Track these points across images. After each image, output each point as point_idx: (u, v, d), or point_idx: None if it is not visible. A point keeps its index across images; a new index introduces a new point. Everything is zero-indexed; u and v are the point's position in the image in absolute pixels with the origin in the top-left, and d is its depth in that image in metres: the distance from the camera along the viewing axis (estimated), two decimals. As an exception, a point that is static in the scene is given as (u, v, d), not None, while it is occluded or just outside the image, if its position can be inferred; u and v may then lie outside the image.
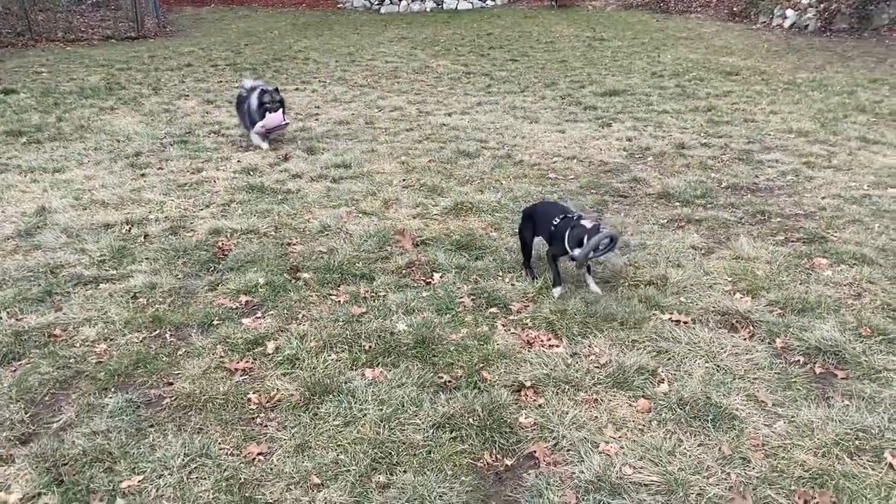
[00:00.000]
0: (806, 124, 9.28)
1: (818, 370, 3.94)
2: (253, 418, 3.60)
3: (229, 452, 3.35)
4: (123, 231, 5.88)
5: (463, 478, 3.19)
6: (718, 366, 3.96)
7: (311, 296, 4.80)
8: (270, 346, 4.18)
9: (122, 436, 3.42)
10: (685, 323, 4.40)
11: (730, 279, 4.98)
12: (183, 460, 3.27)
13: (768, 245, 5.58)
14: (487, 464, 3.30)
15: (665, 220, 6.14)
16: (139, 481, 3.15)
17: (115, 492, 3.08)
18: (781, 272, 5.08)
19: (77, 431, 3.46)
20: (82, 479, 3.13)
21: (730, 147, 8.39)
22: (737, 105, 10.49)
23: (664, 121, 9.65)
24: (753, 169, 7.58)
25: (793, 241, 5.67)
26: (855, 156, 7.95)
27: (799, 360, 4.02)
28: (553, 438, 3.43)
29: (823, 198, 6.65)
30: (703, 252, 5.46)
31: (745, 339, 4.24)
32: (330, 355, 4.09)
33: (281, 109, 8.07)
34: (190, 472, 3.21)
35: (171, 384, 3.86)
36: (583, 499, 3.04)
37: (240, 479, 3.18)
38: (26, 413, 3.60)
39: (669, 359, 4.04)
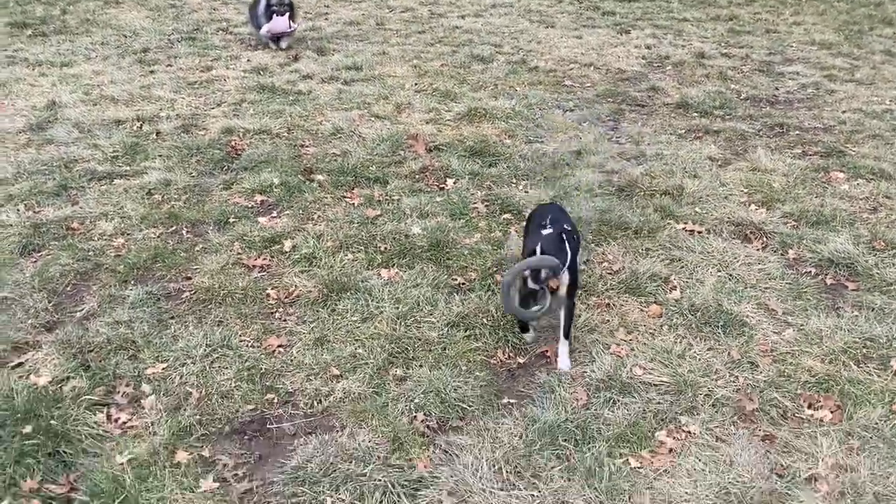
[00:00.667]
0: (829, 36, 9.02)
1: (829, 281, 3.98)
2: (272, 313, 3.67)
3: (249, 344, 3.44)
4: (135, 128, 5.82)
5: (477, 373, 3.28)
6: (731, 275, 4.00)
7: (326, 197, 4.80)
8: (287, 244, 4.22)
9: (145, 326, 3.50)
10: (699, 233, 4.41)
11: (745, 191, 4.96)
12: (205, 350, 3.35)
13: (785, 158, 5.52)
14: (501, 361, 3.39)
15: (682, 131, 6.06)
16: (163, 369, 3.24)
17: (141, 378, 3.18)
18: (797, 185, 5.05)
19: (100, 321, 3.54)
20: (108, 365, 3.22)
21: (750, 58, 8.19)
22: (759, 15, 10.17)
23: (684, 29, 9.38)
24: (773, 81, 7.42)
25: (810, 155, 5.61)
26: (878, 70, 7.76)
27: (811, 272, 4.06)
28: (566, 340, 3.50)
29: (844, 112, 6.54)
30: (719, 163, 5.42)
31: (758, 250, 4.26)
32: (346, 255, 4.13)
33: (288, 14, 7.83)
34: (212, 362, 3.30)
35: (190, 279, 3.91)
36: (594, 396, 3.13)
37: (261, 369, 3.28)
38: (49, 302, 3.67)
39: (682, 267, 4.07)
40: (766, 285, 3.92)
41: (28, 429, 2.76)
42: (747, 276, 3.98)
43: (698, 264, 4.09)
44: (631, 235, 4.36)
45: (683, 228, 4.44)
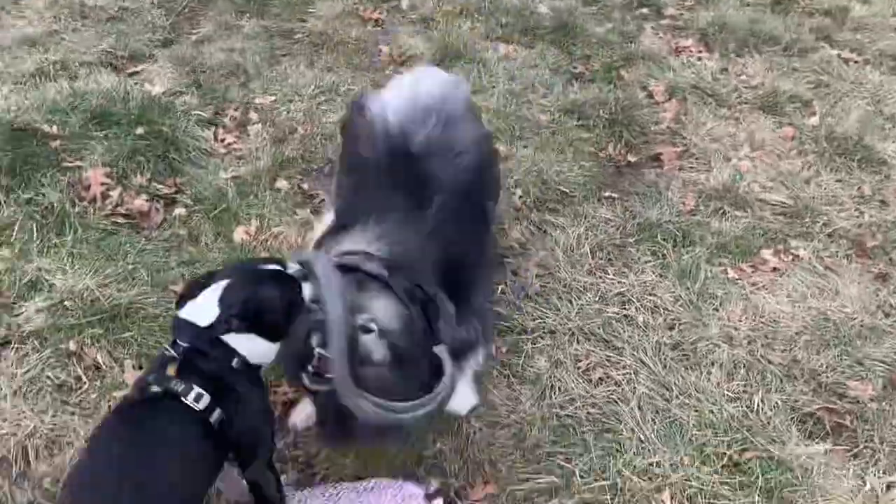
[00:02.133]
0: None
1: None
2: (383, 69, 3.56)
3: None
4: None
5: (583, 163, 3.14)
6: (881, 111, 3.59)
7: (452, -39, 4.49)
8: (405, 2, 4.01)
9: (257, 58, 3.47)
10: (855, 62, 3.94)
11: (920, 26, 4.37)
12: (313, 91, 3.31)
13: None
14: (609, 156, 3.23)
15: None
16: (271, 101, 3.23)
17: (249, 105, 3.19)
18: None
19: (214, 45, 3.52)
20: (219, 88, 3.24)
21: None
22: None
23: None
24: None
25: None
26: None
27: (974, 122, 3.62)
28: (683, 145, 3.29)
29: None
30: (897, -8, 4.75)
31: (918, 89, 3.81)
32: (465, 22, 3.90)
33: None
34: (319, 104, 3.27)
35: (305, 21, 3.82)
36: (702, 204, 2.96)
37: (366, 118, 3.22)
38: (167, 20, 3.65)
39: (828, 94, 3.68)
40: (919, 128, 3.53)
41: (140, 130, 2.83)
42: (900, 115, 3.59)
43: (846, 94, 3.68)
44: (779, 52, 3.93)
45: (838, 55, 3.97)
